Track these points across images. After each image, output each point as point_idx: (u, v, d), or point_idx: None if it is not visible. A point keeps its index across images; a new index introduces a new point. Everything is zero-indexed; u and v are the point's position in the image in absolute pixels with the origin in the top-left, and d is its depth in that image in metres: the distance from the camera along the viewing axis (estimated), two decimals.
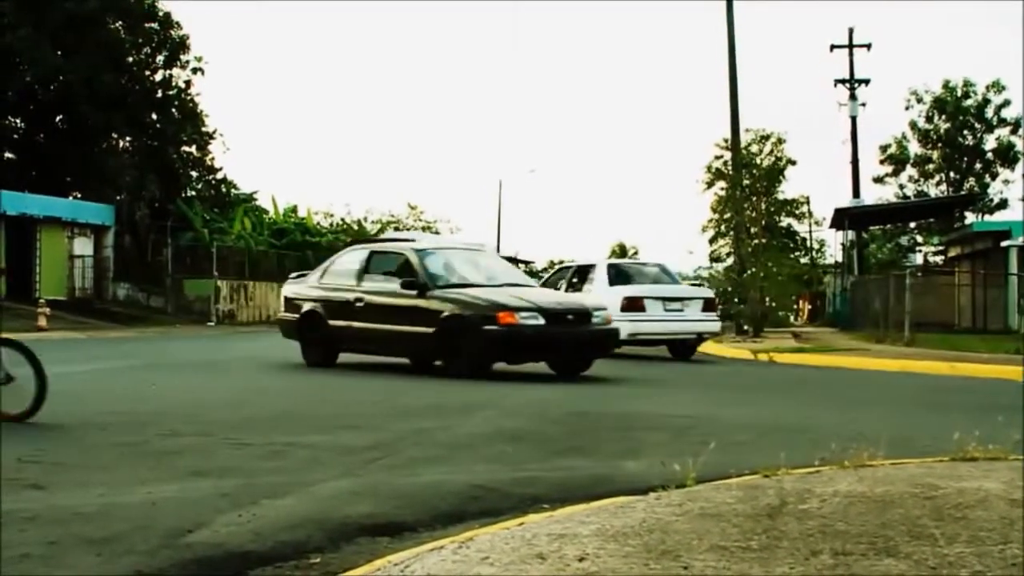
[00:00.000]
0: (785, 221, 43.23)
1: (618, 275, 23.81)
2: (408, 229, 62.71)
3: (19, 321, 33.57)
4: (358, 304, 17.20)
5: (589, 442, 8.83)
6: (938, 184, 63.43)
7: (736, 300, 34.52)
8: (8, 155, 49.33)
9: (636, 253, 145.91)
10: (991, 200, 61.41)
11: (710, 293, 25.57)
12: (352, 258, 18.38)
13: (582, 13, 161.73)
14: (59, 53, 46.29)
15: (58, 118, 48.71)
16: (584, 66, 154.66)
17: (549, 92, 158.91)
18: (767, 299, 35.06)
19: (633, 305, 22.23)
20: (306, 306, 18.11)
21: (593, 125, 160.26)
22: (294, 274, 20.62)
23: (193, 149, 53.52)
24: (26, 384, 9.32)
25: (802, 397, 13.90)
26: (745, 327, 32.90)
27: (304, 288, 18.75)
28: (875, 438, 7.18)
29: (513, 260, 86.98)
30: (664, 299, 22.74)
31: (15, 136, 49.41)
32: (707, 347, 24.67)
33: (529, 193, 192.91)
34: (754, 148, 40.36)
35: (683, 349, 23.55)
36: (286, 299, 19.18)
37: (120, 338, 31.53)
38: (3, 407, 9.36)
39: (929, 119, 62.55)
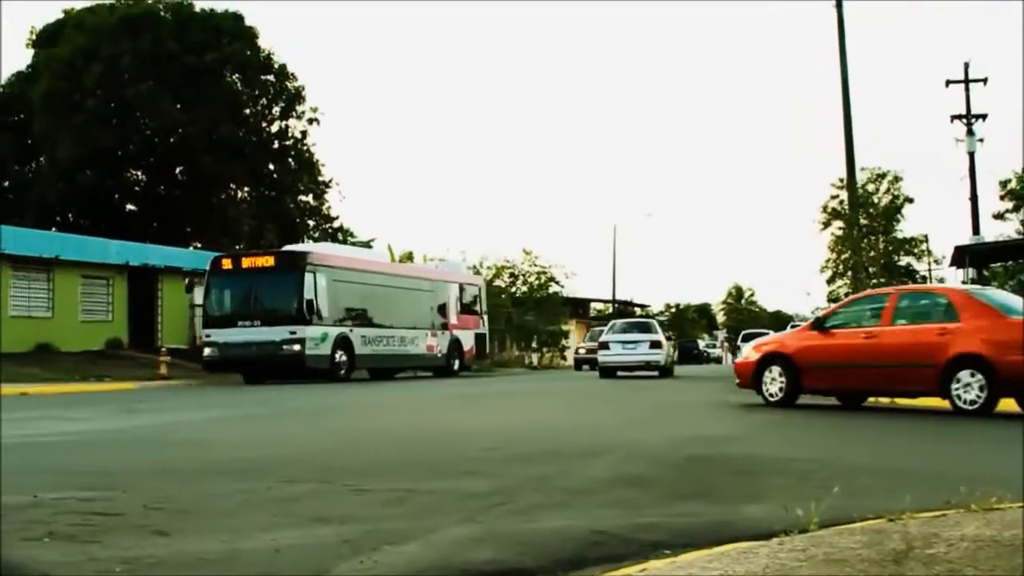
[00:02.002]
0: (904, 260, 42.63)
1: (613, 328, 39.37)
2: (523, 275, 62.80)
3: (142, 370, 34.34)
4: None
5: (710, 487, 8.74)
6: None
7: None
8: (130, 207, 50.59)
9: (752, 295, 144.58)
10: None
11: (658, 336, 37.80)
12: None
13: (696, 57, 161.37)
14: (178, 106, 47.43)
15: (178, 169, 49.83)
16: (699, 110, 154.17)
17: (664, 137, 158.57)
18: None
19: (603, 346, 37.53)
20: None
21: (708, 168, 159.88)
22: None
23: (310, 198, 54.40)
24: None
25: (926, 437, 13.62)
26: None
27: None
28: (1004, 480, 7.02)
29: (628, 304, 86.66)
30: (623, 342, 37.09)
31: (136, 188, 50.67)
32: None
33: (645, 237, 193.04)
34: (870, 187, 39.97)
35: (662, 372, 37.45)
36: None
37: (239, 386, 32.00)
38: None
39: None
